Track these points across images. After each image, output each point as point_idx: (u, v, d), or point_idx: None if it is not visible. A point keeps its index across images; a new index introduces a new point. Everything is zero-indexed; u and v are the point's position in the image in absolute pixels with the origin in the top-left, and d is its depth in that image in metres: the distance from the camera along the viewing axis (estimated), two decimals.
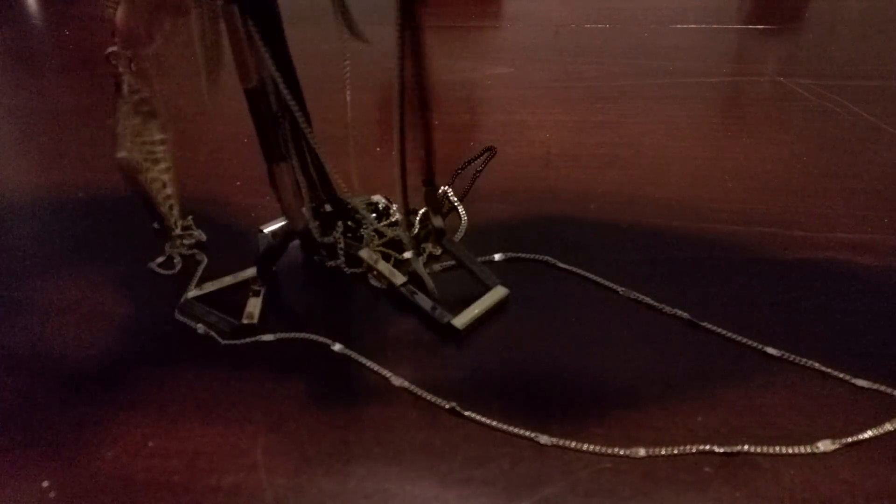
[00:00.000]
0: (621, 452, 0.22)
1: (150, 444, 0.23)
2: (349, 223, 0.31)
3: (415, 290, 0.28)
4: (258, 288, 0.28)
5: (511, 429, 0.23)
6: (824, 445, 0.22)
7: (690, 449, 0.22)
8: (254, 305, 0.28)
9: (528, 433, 0.22)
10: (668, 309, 0.28)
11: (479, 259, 0.30)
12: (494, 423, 0.23)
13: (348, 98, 0.31)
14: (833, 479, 0.21)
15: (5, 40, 0.61)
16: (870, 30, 0.60)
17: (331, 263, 0.30)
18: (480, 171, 0.36)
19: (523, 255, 0.31)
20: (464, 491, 0.21)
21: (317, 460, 0.22)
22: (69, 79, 0.52)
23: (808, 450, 0.22)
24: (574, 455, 0.22)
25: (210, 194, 0.36)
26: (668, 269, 0.30)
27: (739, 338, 0.26)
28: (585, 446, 0.22)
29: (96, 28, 0.63)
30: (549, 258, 0.31)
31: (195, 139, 0.42)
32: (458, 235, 0.33)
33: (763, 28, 0.60)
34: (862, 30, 0.61)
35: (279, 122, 0.26)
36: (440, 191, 0.31)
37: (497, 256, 0.31)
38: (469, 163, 0.36)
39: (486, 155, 0.37)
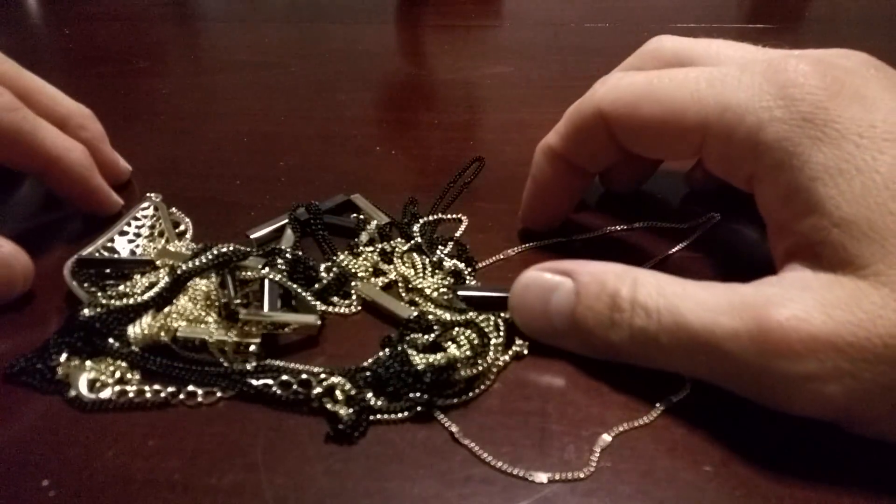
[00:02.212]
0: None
1: (150, 443, 0.23)
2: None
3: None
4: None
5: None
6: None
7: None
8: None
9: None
10: None
11: (483, 262, 0.31)
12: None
13: None
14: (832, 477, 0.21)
15: (5, 40, 0.61)
16: (870, 30, 0.60)
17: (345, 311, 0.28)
18: (469, 182, 0.36)
19: (523, 252, 0.31)
20: (464, 490, 0.21)
21: (317, 460, 0.22)
22: (69, 79, 0.52)
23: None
24: (574, 455, 0.22)
25: (210, 194, 0.36)
26: (670, 268, 0.30)
27: None
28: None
29: (96, 28, 0.63)
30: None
31: (195, 139, 0.42)
32: (458, 234, 0.33)
33: (763, 28, 0.60)
34: (862, 30, 0.61)
35: None
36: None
37: (494, 258, 0.31)
38: (458, 176, 0.36)
39: (474, 166, 0.37)
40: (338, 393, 0.23)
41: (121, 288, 0.28)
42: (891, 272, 0.19)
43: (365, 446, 0.22)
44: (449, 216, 0.34)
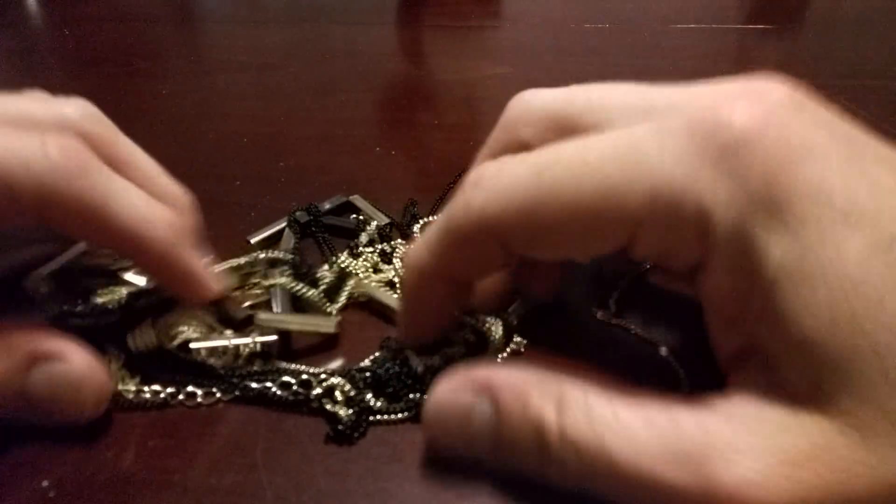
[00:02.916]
0: None
1: (150, 443, 0.23)
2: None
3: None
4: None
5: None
6: None
7: None
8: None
9: None
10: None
11: None
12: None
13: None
14: None
15: (5, 40, 0.61)
16: (870, 30, 0.60)
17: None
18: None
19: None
20: (464, 490, 0.21)
21: (317, 460, 0.22)
22: (69, 79, 0.52)
23: None
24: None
25: (210, 194, 0.36)
26: (655, 277, 0.30)
27: None
28: None
29: (96, 28, 0.63)
30: None
31: (195, 139, 0.42)
32: None
33: (763, 28, 0.60)
34: (862, 30, 0.61)
35: None
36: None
37: None
38: (458, 176, 0.36)
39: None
40: (337, 394, 0.23)
41: (119, 291, 0.28)
42: (860, 411, 0.16)
43: (365, 447, 0.22)
44: None
